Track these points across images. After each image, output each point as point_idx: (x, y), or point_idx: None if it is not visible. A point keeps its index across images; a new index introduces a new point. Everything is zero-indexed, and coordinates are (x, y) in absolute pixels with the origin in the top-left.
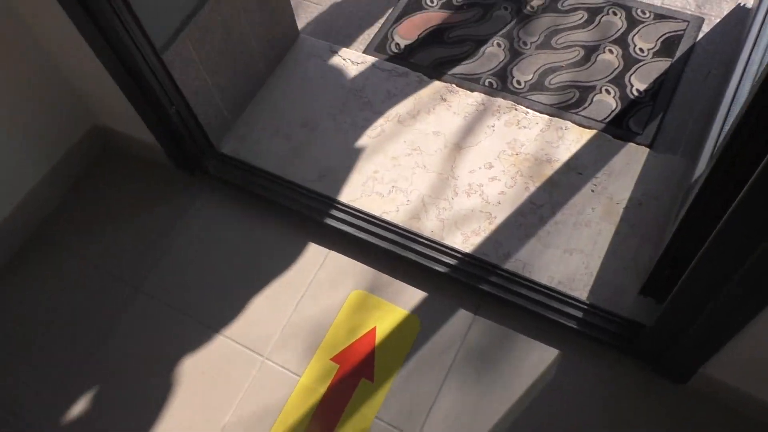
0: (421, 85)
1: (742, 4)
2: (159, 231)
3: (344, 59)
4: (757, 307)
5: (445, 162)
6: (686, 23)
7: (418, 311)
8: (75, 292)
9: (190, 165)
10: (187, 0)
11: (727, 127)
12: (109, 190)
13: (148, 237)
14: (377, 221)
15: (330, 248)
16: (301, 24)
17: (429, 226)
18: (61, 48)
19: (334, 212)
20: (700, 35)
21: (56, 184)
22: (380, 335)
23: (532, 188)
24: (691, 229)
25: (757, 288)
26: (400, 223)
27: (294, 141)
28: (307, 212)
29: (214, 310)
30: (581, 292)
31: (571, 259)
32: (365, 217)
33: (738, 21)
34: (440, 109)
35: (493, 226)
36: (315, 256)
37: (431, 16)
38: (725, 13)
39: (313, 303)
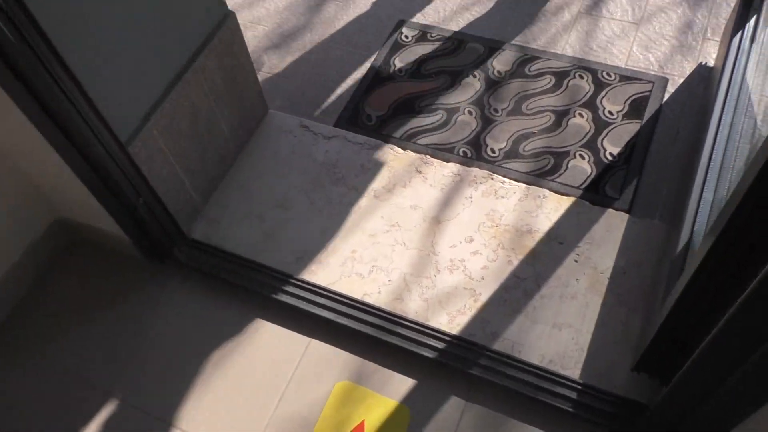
0: (395, 157)
1: (704, 63)
2: (128, 326)
3: (315, 133)
4: (758, 401)
5: (424, 237)
6: (651, 84)
7: (408, 400)
8: (39, 399)
9: (159, 254)
10: (152, 89)
11: (706, 194)
12: (75, 285)
13: (117, 333)
14: (359, 305)
15: (311, 336)
16: (269, 98)
17: (413, 307)
18: (20, 144)
19: (314, 297)
20: (666, 95)
21: (18, 282)
22: (369, 430)
23: (515, 261)
24: (685, 311)
25: (757, 387)
26: (383, 306)
27: (267, 222)
28: (285, 299)
29: (191, 412)
30: (573, 371)
31: (561, 334)
32: (346, 301)
33: (701, 79)
34: (416, 182)
35: (478, 304)
36: (296, 346)
37: (400, 86)
38: (688, 72)
39: (297, 398)
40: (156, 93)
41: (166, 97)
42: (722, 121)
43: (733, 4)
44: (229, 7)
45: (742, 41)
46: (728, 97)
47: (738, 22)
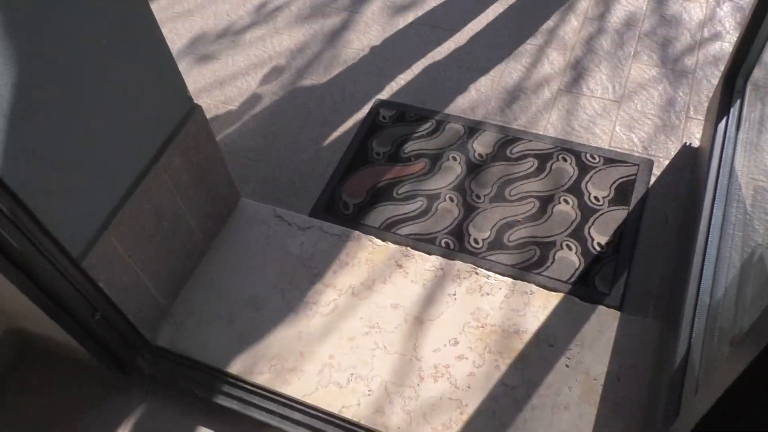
0: (374, 249)
1: (688, 143)
2: None
3: (290, 224)
4: None
5: (406, 340)
6: (636, 167)
7: None
8: None
9: (120, 365)
10: (110, 196)
11: (702, 297)
12: (28, 401)
13: None
14: (337, 421)
15: None
16: (241, 183)
17: (395, 421)
18: None
19: (288, 413)
20: (652, 179)
21: None
22: None
23: (503, 367)
24: None
25: None
26: (363, 421)
27: (239, 324)
28: (257, 416)
29: None
30: None
31: None
32: (323, 416)
33: (687, 161)
34: (397, 277)
35: (465, 417)
36: None
37: (378, 171)
38: (673, 153)
39: None
40: (114, 200)
41: (126, 201)
42: (713, 216)
43: (713, 81)
44: (201, 86)
45: (728, 128)
46: (718, 189)
47: (722, 105)
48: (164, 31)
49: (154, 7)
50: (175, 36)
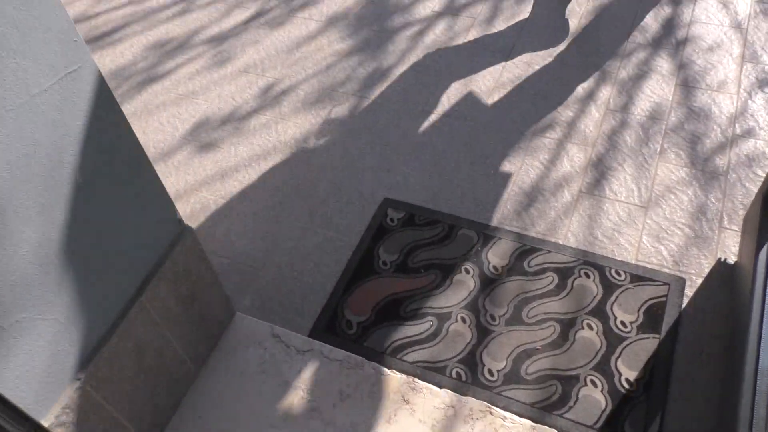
0: (378, 380)
1: (723, 259)
2: None
3: (288, 346)
4: None
5: None
6: (667, 286)
7: None
8: None
9: None
10: (83, 345)
11: None
12: None
13: None
14: None
15: None
16: (238, 292)
17: None
18: None
19: None
20: (684, 300)
21: None
22: None
23: None
24: None
25: None
26: None
27: None
28: None
29: None
30: None
31: None
32: None
33: (722, 280)
34: (403, 416)
35: None
36: None
37: (385, 283)
38: (706, 270)
39: None
40: (89, 347)
41: (104, 346)
42: (761, 358)
43: (748, 186)
44: (201, 178)
45: None
46: (764, 329)
47: (762, 226)
48: (166, 115)
49: (157, 88)
50: (178, 121)
